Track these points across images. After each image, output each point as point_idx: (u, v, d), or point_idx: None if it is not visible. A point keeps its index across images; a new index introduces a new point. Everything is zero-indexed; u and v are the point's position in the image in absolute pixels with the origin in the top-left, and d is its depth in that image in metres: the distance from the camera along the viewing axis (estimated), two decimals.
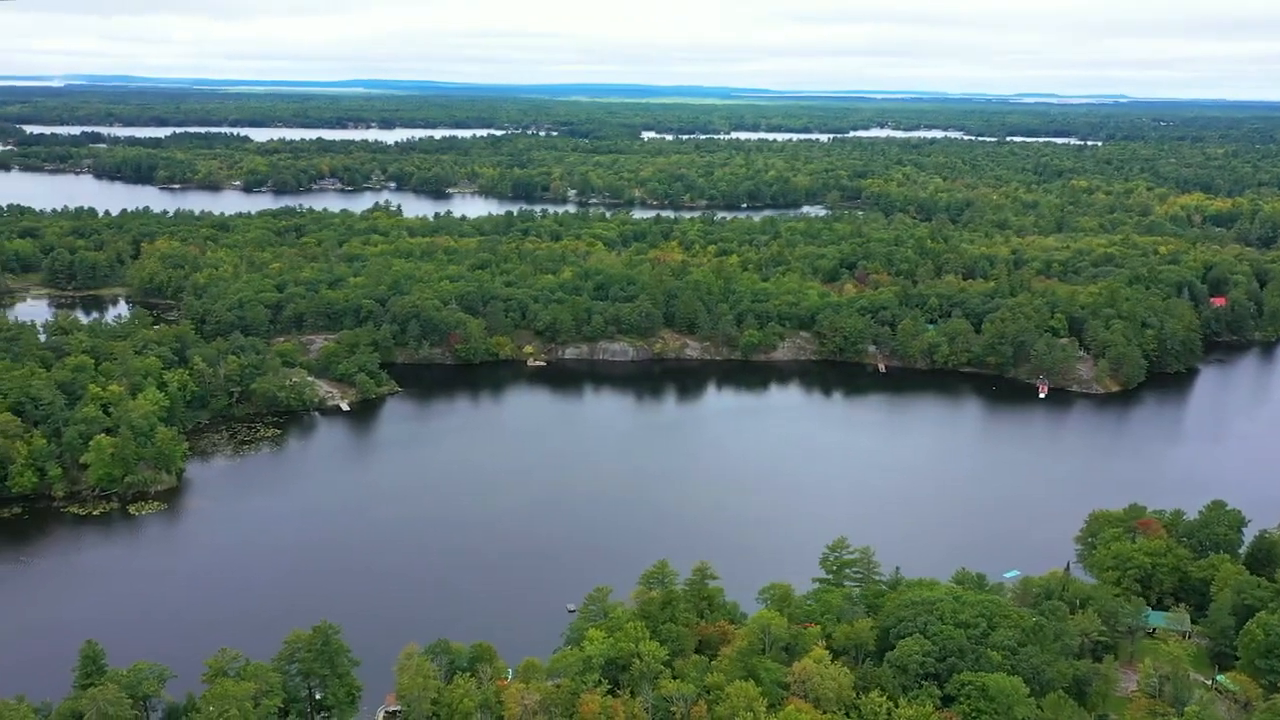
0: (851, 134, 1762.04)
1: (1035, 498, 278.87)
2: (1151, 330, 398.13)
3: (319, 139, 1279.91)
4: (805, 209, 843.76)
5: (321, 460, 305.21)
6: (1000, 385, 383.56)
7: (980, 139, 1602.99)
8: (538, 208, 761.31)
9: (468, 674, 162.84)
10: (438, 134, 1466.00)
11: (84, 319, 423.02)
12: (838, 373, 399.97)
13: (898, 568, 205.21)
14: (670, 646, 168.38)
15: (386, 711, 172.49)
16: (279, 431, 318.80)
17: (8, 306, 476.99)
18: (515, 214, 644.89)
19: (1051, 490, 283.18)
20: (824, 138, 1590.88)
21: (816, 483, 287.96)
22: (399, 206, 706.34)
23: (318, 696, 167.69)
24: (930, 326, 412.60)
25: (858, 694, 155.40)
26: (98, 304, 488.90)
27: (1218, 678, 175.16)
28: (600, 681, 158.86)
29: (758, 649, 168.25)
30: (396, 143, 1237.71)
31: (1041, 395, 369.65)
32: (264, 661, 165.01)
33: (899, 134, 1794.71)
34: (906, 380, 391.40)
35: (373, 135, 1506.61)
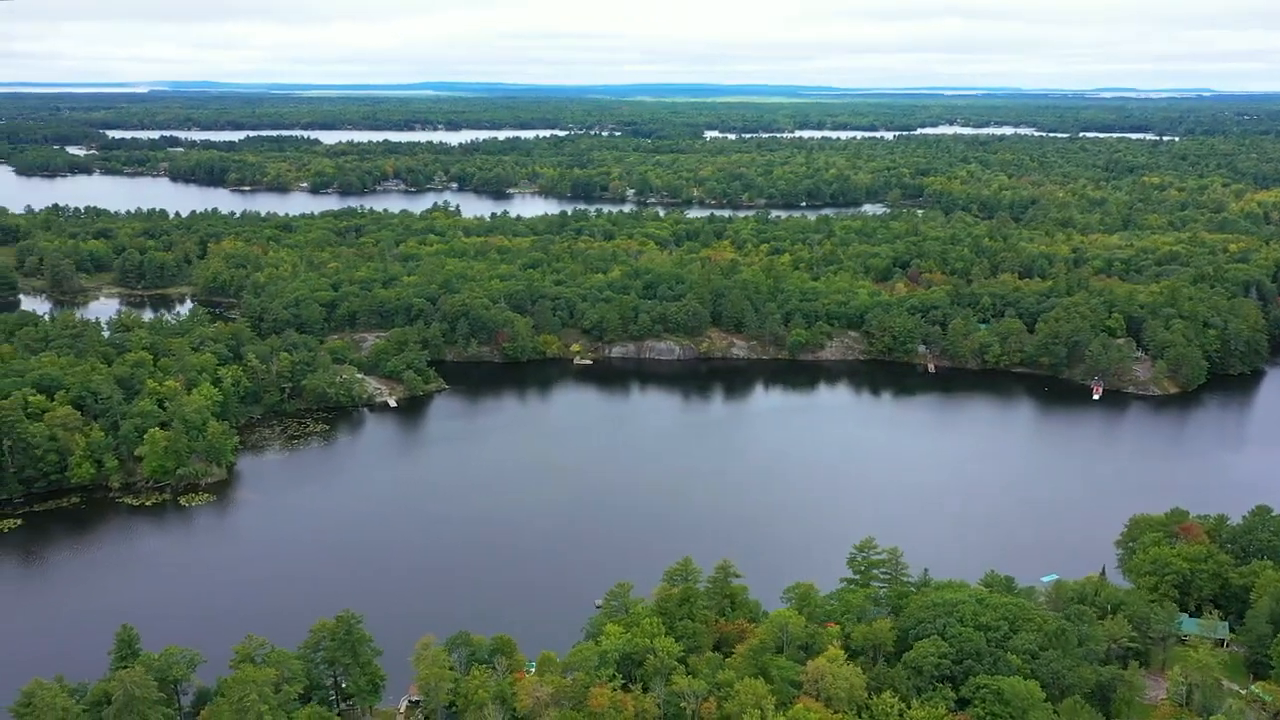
0: (918, 131, 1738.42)
1: (1081, 501, 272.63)
2: (1214, 330, 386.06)
3: (385, 141, 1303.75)
4: (865, 207, 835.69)
5: (366, 456, 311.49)
6: (1053, 386, 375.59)
7: (1052, 135, 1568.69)
8: (595, 207, 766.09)
9: (484, 666, 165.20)
10: (502, 135, 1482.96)
11: (150, 317, 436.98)
12: (886, 373, 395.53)
13: (925, 569, 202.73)
14: (685, 643, 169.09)
15: (410, 701, 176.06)
16: (327, 427, 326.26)
17: (81, 305, 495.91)
18: (569, 214, 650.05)
19: (1099, 493, 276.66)
20: (889, 135, 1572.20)
21: (856, 483, 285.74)
22: (457, 207, 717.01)
23: (342, 684, 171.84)
24: (982, 326, 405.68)
25: (870, 694, 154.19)
26: (165, 302, 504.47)
27: (1252, 687, 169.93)
28: (615, 676, 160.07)
29: (773, 647, 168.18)
30: (460, 144, 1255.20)
31: (1095, 397, 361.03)
32: (291, 649, 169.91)
33: (967, 131, 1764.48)
34: (956, 381, 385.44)
35: (438, 137, 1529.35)
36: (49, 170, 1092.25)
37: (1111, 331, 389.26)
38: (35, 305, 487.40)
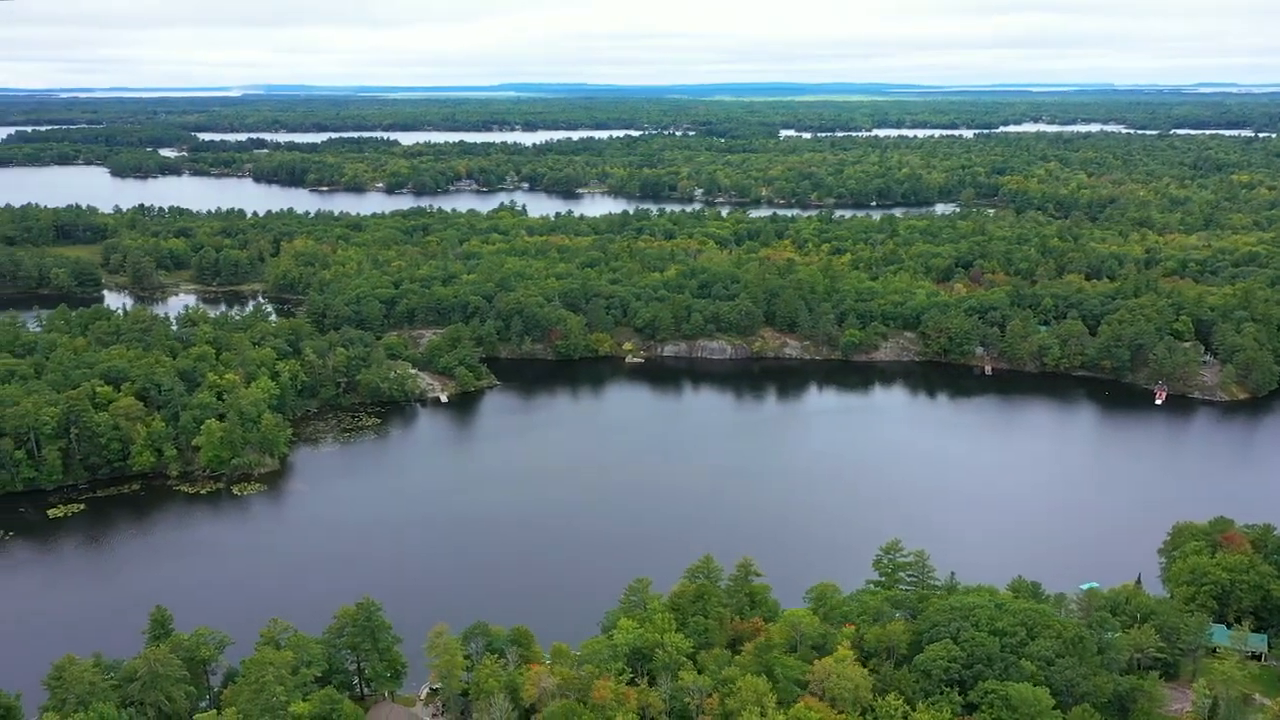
0: (1000, 129, 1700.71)
1: (1132, 508, 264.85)
2: None
3: (460, 142, 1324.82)
4: (938, 207, 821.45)
5: (414, 449, 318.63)
6: (1114, 390, 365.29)
7: (1140, 132, 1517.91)
8: (657, 207, 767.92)
9: (496, 656, 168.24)
10: (577, 135, 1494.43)
11: (223, 312, 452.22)
12: (941, 374, 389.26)
13: (953, 572, 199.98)
14: (696, 639, 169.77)
15: (430, 689, 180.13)
16: (379, 421, 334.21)
17: (160, 300, 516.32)
18: (630, 213, 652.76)
19: (1152, 500, 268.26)
20: (969, 133, 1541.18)
21: (900, 485, 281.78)
22: (523, 206, 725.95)
23: (364, 670, 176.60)
24: (1042, 328, 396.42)
25: (877, 696, 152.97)
26: (238, 299, 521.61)
27: None
28: (624, 670, 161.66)
29: (783, 646, 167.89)
30: (534, 145, 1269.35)
31: (1158, 402, 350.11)
32: (319, 634, 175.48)
33: (1051, 128, 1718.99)
34: (1013, 383, 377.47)
35: (514, 138, 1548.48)
36: (141, 172, 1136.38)
37: (1178, 334, 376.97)
38: (118, 300, 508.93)
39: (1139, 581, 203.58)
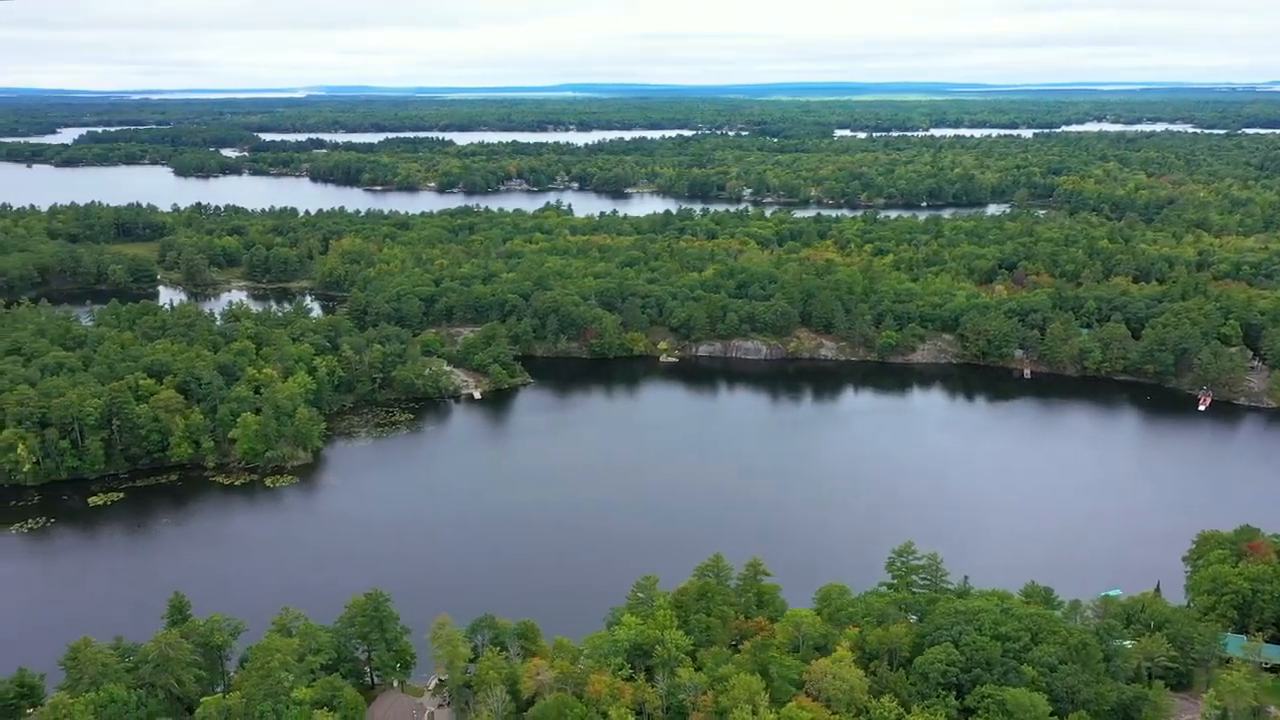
0: (1061, 129, 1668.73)
1: (1165, 515, 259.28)
2: None
3: (514, 142, 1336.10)
4: (990, 208, 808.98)
5: (445, 445, 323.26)
6: (1156, 396, 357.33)
7: (1207, 131, 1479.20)
8: (703, 207, 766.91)
9: (499, 649, 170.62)
10: (630, 135, 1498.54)
11: (270, 309, 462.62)
12: (979, 377, 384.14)
13: (965, 576, 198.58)
14: (697, 637, 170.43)
15: (438, 679, 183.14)
16: (413, 417, 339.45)
17: (212, 296, 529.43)
18: (673, 212, 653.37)
19: (1187, 507, 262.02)
20: (1028, 133, 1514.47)
21: (928, 488, 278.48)
22: (569, 206, 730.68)
23: (372, 659, 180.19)
24: (1084, 331, 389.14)
25: (872, 698, 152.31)
26: (287, 295, 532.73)
27: None
28: (623, 665, 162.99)
29: (786, 646, 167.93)
30: (585, 144, 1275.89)
31: (1201, 408, 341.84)
32: (329, 624, 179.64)
33: (1115, 128, 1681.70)
34: (1052, 387, 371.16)
35: (569, 138, 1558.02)
36: (203, 171, 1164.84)
37: (1225, 339, 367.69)
38: (172, 296, 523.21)
39: (1158, 589, 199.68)
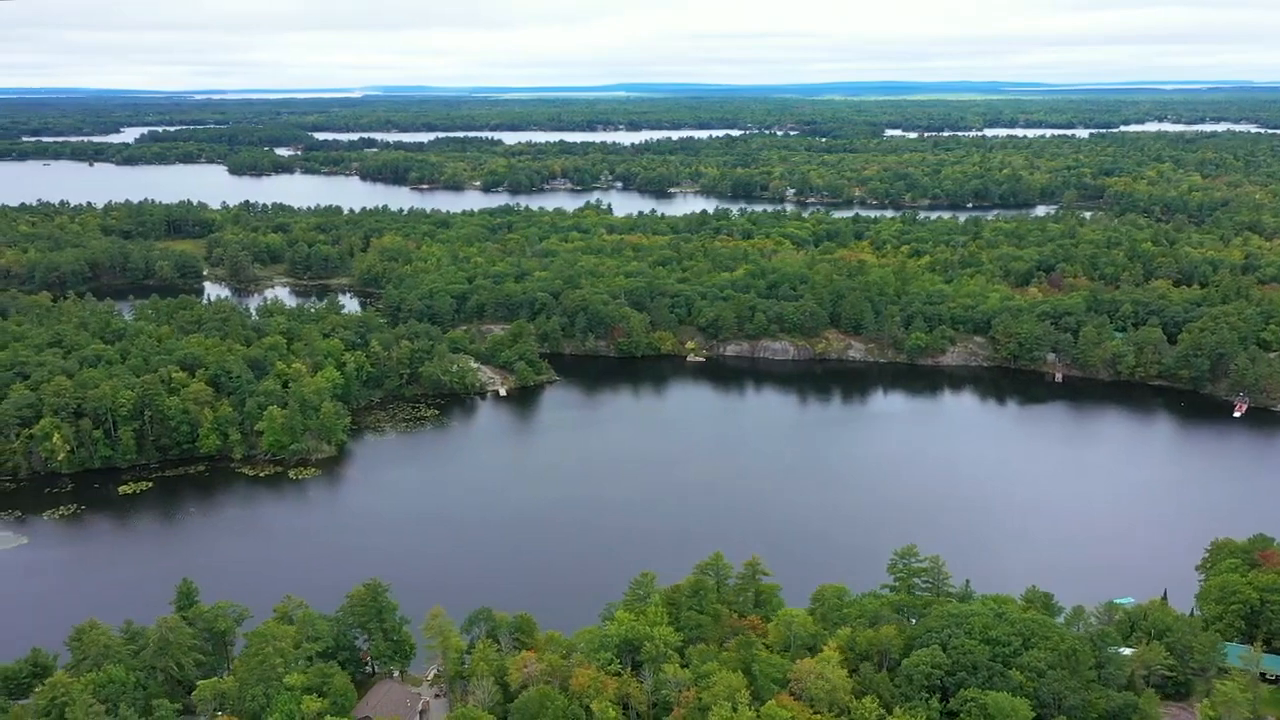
0: (1120, 129, 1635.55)
1: (1188, 522, 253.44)
2: None
3: (560, 141, 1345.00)
4: (1039, 209, 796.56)
5: (467, 441, 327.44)
6: (1191, 402, 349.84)
7: (1272, 132, 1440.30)
8: (738, 207, 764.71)
9: (491, 641, 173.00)
10: (678, 135, 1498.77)
11: (306, 305, 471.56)
12: (1010, 381, 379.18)
13: (968, 580, 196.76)
14: (687, 634, 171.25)
15: (437, 670, 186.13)
16: (438, 412, 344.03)
17: (255, 292, 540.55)
18: (710, 212, 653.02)
19: (1214, 515, 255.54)
20: (1084, 133, 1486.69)
21: (947, 491, 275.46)
22: (609, 205, 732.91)
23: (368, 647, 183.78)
24: (1118, 335, 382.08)
25: (855, 699, 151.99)
26: (327, 292, 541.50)
27: None
28: (612, 660, 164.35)
29: (781, 646, 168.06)
30: (631, 144, 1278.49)
31: (1237, 414, 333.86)
32: (335, 613, 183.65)
33: (1175, 128, 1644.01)
34: (1084, 392, 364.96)
35: (615, 137, 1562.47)
36: (256, 170, 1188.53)
37: (1265, 344, 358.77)
38: (216, 291, 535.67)
39: (1165, 597, 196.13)
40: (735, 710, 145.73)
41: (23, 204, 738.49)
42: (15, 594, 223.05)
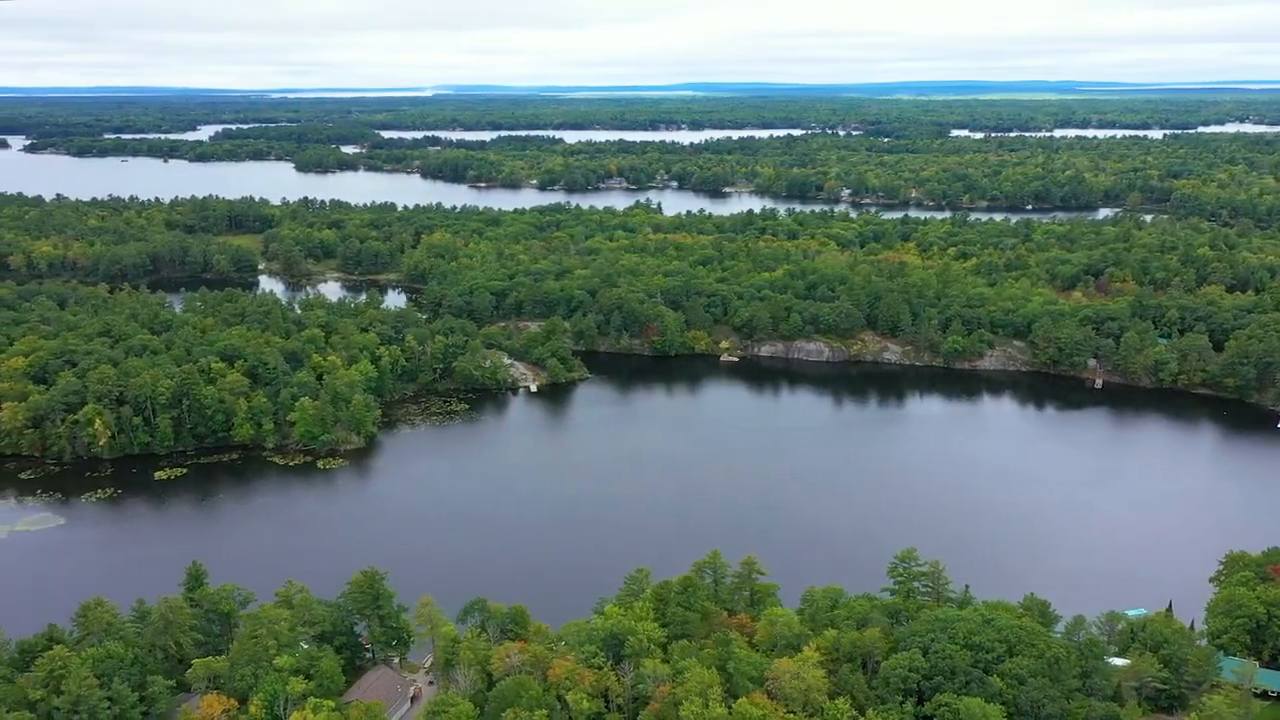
0: (1198, 129, 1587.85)
1: (1217, 535, 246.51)
2: None
3: (620, 140, 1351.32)
4: (1101, 212, 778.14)
5: (496, 436, 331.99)
6: (1235, 411, 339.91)
7: None
8: (788, 207, 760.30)
9: (479, 631, 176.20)
10: (740, 134, 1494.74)
11: (340, 299, 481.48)
12: (1048, 386, 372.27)
13: (967, 585, 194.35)
14: (672, 630, 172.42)
15: (432, 658, 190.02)
16: (468, 407, 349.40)
17: (307, 286, 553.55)
18: (756, 212, 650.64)
19: (1245, 528, 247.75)
20: (1158, 134, 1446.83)
21: (971, 496, 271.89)
22: (659, 204, 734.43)
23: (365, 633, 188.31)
24: (1162, 341, 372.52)
25: (829, 699, 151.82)
26: (376, 287, 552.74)
27: None
28: (597, 653, 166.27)
29: (767, 644, 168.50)
30: (690, 144, 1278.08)
31: None
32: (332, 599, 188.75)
33: (1256, 129, 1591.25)
34: (1125, 399, 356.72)
35: (676, 136, 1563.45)
36: (322, 167, 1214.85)
37: None
38: (270, 285, 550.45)
39: (1170, 609, 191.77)
40: (707, 706, 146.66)
41: (94, 199, 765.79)
42: (45, 572, 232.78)
